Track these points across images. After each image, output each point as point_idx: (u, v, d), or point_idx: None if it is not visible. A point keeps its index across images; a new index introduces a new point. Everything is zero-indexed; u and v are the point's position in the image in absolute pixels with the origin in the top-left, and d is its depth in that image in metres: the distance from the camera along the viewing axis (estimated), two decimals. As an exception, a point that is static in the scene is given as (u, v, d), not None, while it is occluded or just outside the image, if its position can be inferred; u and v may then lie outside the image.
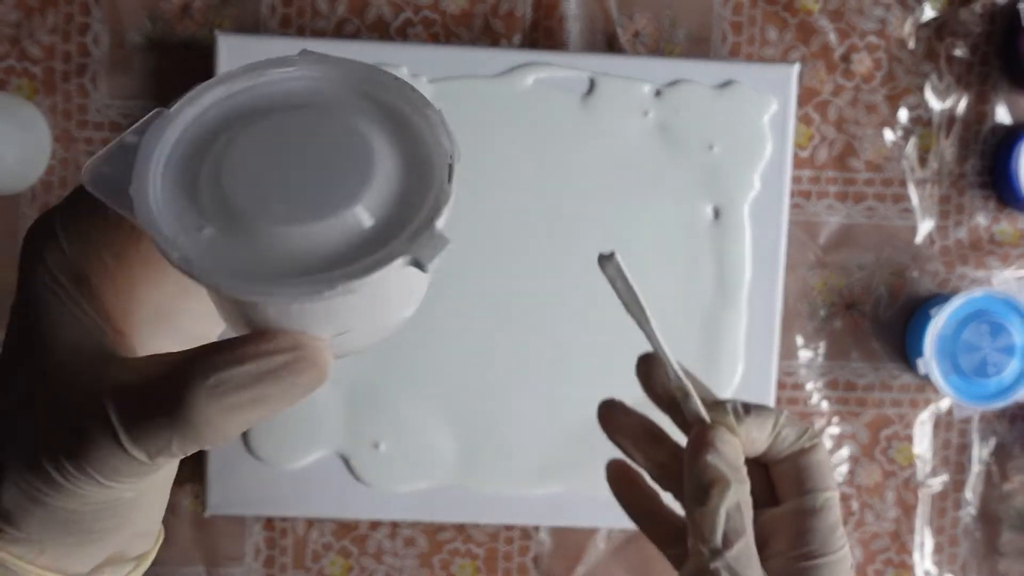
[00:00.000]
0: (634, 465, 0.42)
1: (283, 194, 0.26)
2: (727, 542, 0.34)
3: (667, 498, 0.43)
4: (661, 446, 0.40)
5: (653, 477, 0.41)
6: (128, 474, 0.26)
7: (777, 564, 0.35)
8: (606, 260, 0.38)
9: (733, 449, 0.36)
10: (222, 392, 0.24)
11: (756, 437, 0.36)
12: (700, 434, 0.36)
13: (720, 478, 0.35)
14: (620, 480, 0.43)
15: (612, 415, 0.41)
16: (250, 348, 0.25)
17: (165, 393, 0.25)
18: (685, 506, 0.36)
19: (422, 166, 0.29)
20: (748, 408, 0.37)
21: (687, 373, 0.39)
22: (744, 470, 0.36)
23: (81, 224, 0.27)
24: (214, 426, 0.25)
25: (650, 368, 0.40)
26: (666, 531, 0.42)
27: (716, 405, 0.37)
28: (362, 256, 0.25)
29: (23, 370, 0.27)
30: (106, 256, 0.27)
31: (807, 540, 0.35)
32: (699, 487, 0.35)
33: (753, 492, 0.36)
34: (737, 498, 0.35)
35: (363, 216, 0.26)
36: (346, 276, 0.25)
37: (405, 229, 0.26)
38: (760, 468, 0.38)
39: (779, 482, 0.37)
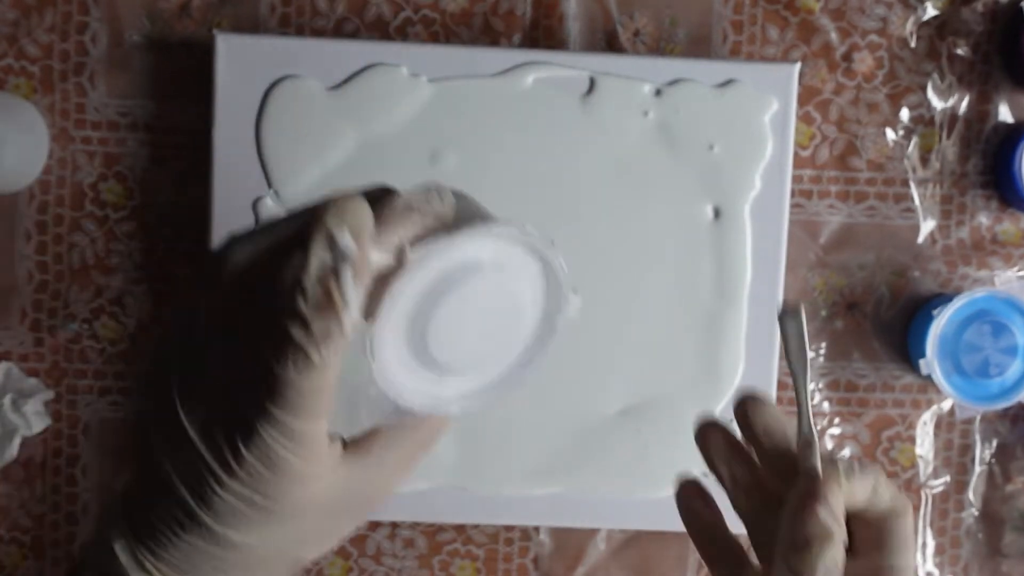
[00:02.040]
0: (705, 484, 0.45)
1: (470, 354, 0.36)
2: None
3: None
4: (748, 468, 0.43)
5: (730, 495, 0.43)
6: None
7: None
8: (789, 316, 0.43)
9: (839, 506, 0.38)
10: None
11: (859, 496, 0.39)
12: (814, 486, 0.38)
13: (826, 533, 0.37)
14: (691, 495, 0.45)
15: (710, 433, 0.44)
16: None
17: None
18: (779, 551, 0.38)
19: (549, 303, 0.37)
20: (854, 467, 0.39)
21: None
22: (845, 528, 0.38)
23: None
24: None
25: (753, 409, 0.43)
26: (723, 553, 0.44)
27: (830, 461, 0.40)
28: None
29: None
30: None
31: None
32: (805, 537, 0.37)
33: None
34: (835, 554, 0.37)
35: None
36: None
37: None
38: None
39: (861, 536, 0.39)
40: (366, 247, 0.32)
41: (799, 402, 0.43)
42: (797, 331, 0.43)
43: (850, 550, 0.39)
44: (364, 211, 0.33)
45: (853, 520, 0.40)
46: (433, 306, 0.34)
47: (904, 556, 0.38)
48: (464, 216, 0.35)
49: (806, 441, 0.41)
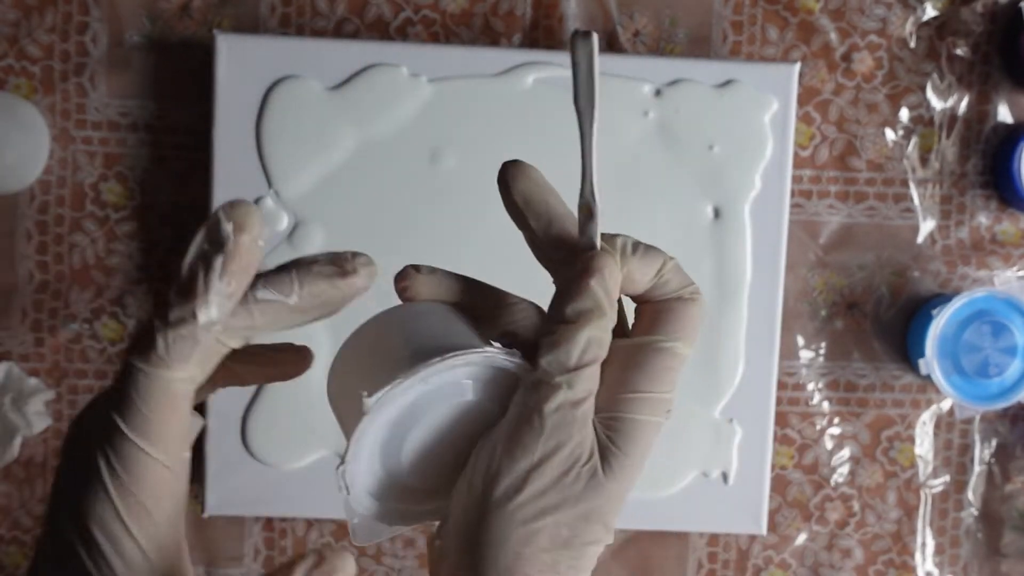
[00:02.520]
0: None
1: (448, 477, 0.36)
2: (579, 364, 0.34)
3: None
4: (482, 295, 0.39)
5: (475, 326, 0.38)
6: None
7: (602, 392, 0.35)
8: (581, 39, 0.35)
9: (615, 282, 0.35)
10: None
11: (638, 278, 0.36)
12: (591, 258, 0.36)
13: (596, 306, 0.34)
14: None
15: (415, 283, 0.38)
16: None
17: None
18: (547, 322, 0.35)
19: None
20: (637, 247, 0.37)
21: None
22: (616, 306, 0.36)
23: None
24: None
25: (513, 175, 0.38)
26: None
27: (609, 237, 0.37)
28: None
29: None
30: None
31: (635, 374, 0.35)
32: (574, 310, 0.34)
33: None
34: (601, 330, 0.35)
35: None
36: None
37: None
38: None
39: (639, 319, 0.37)
40: (246, 244, 0.34)
41: (583, 156, 0.37)
42: (587, 60, 0.35)
43: (627, 334, 0.37)
44: (254, 212, 0.35)
45: (640, 307, 0.37)
46: (402, 439, 0.35)
47: (675, 336, 0.35)
48: (430, 339, 0.35)
49: (586, 208, 0.37)
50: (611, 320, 0.35)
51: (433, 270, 0.38)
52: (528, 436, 0.34)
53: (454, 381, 0.35)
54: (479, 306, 0.38)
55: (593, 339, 0.34)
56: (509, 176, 0.38)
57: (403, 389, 0.34)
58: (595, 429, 0.35)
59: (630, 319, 0.38)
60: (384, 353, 0.35)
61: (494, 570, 0.34)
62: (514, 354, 0.35)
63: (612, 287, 0.35)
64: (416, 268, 0.38)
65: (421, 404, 0.35)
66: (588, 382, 0.34)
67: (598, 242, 0.37)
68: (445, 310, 0.37)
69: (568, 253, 0.37)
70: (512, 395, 0.35)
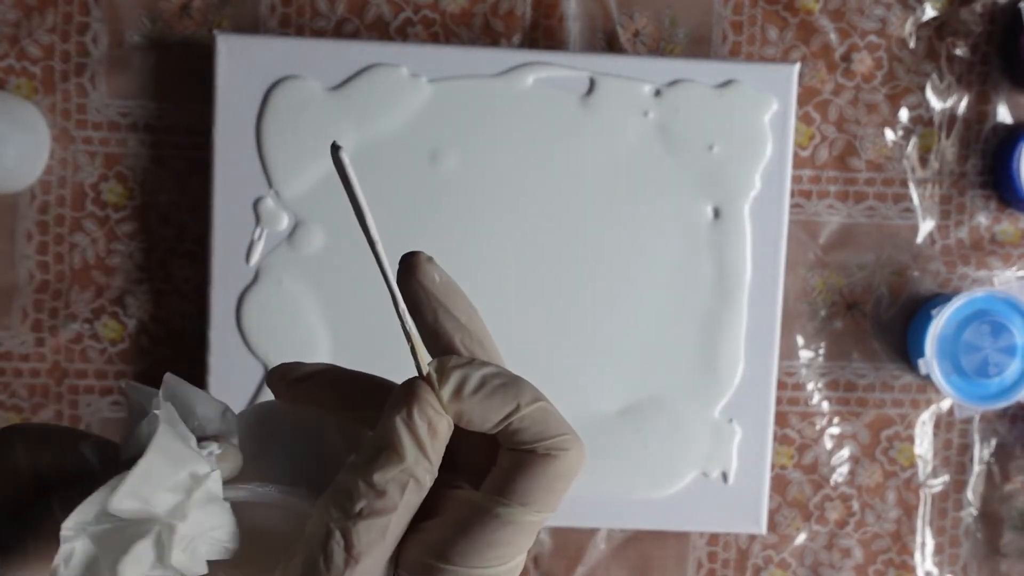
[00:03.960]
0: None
1: None
2: (360, 513, 0.28)
3: None
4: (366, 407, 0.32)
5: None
6: None
7: (415, 549, 0.30)
8: (333, 152, 0.29)
9: (429, 422, 0.29)
10: None
11: (476, 421, 0.29)
12: (404, 389, 0.29)
13: (390, 447, 0.29)
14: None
15: (284, 389, 0.32)
16: None
17: None
18: (355, 456, 0.30)
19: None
20: (484, 384, 0.30)
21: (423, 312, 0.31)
22: (434, 448, 0.29)
23: None
24: None
25: (418, 274, 0.31)
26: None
27: (443, 364, 0.30)
28: None
29: None
30: None
31: (460, 539, 0.29)
32: (374, 447, 0.29)
33: (468, 465, 0.31)
34: (404, 476, 0.28)
35: None
36: None
37: None
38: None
39: (497, 465, 0.30)
40: None
41: (384, 278, 0.31)
42: (343, 174, 0.29)
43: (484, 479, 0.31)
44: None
45: (501, 449, 0.30)
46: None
47: (522, 500, 0.29)
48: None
49: (405, 332, 0.31)
50: (419, 466, 0.29)
51: (305, 374, 0.32)
52: None
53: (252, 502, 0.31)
54: (350, 409, 0.32)
55: (385, 486, 0.28)
56: (403, 272, 0.32)
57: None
58: None
59: None
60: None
61: None
62: (292, 492, 0.31)
63: (422, 426, 0.29)
64: (284, 372, 0.32)
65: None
66: (372, 537, 0.28)
67: (424, 368, 0.30)
68: (288, 423, 0.33)
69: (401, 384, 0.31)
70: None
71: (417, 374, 0.30)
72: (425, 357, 0.31)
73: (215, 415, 0.32)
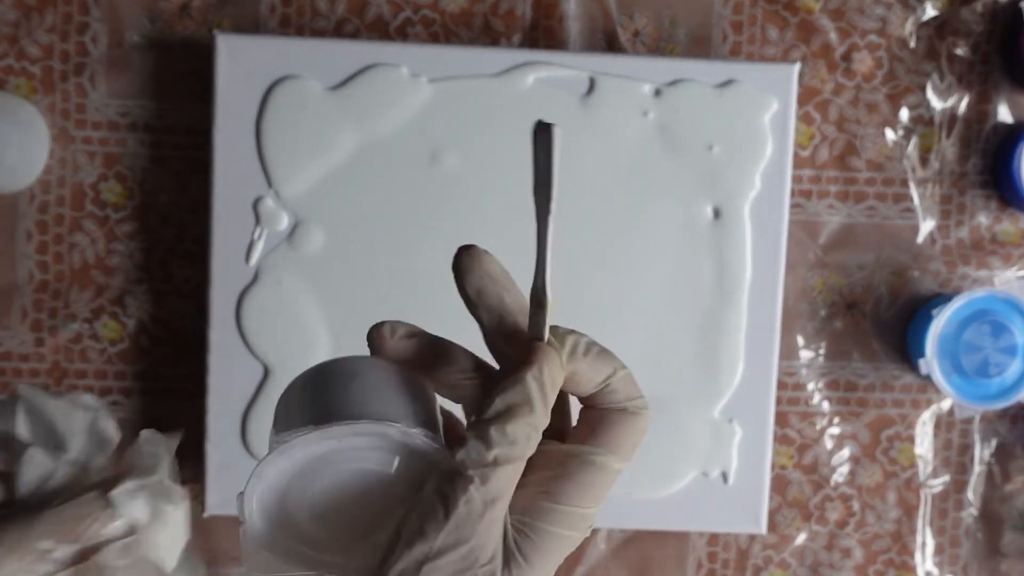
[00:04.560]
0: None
1: (329, 528, 0.35)
2: (498, 460, 0.32)
3: None
4: (454, 367, 0.36)
5: (443, 394, 0.37)
6: None
7: (522, 493, 0.33)
8: (543, 130, 0.33)
9: (553, 379, 0.33)
10: None
11: (584, 381, 0.34)
12: (534, 350, 0.34)
13: (525, 401, 0.33)
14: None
15: (385, 344, 0.36)
16: None
17: None
18: (481, 408, 0.33)
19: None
20: (590, 349, 0.35)
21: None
22: (551, 404, 0.34)
23: None
24: None
25: (476, 263, 0.36)
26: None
27: (563, 334, 0.35)
28: None
29: None
30: None
31: (560, 483, 0.34)
32: (503, 401, 0.33)
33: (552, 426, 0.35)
34: (527, 427, 0.32)
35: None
36: None
37: None
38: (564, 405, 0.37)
39: (579, 424, 0.35)
40: None
41: (538, 247, 0.36)
42: (547, 152, 0.33)
43: (566, 436, 0.36)
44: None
45: (583, 411, 0.36)
46: (308, 487, 0.34)
47: (610, 449, 0.34)
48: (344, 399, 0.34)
49: (537, 299, 0.35)
50: (542, 419, 0.33)
51: (409, 333, 0.36)
52: (430, 525, 0.32)
53: (367, 447, 0.34)
54: (437, 367, 0.36)
55: (517, 436, 0.32)
56: (463, 266, 0.36)
57: (310, 440, 0.33)
58: (505, 531, 0.33)
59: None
60: (319, 402, 0.35)
61: None
62: (434, 438, 0.34)
63: (549, 384, 0.33)
64: (392, 330, 0.36)
65: (331, 460, 0.34)
66: (504, 481, 0.32)
67: (545, 334, 0.35)
68: (399, 374, 0.36)
69: (516, 346, 0.35)
70: (427, 477, 0.33)
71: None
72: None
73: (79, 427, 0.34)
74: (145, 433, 0.32)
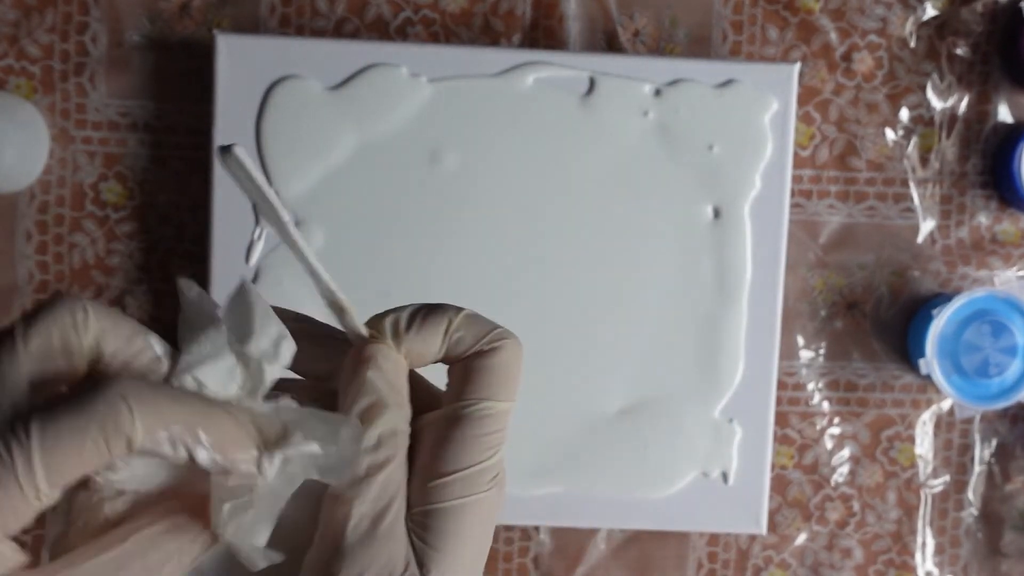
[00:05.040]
0: None
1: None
2: (370, 471, 0.30)
3: None
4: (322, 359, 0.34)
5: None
6: None
7: (414, 485, 0.31)
8: (223, 154, 0.30)
9: (394, 366, 0.32)
10: None
11: (424, 351, 0.32)
12: (359, 350, 0.32)
13: (378, 399, 0.31)
14: None
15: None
16: None
17: None
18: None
19: None
20: (413, 320, 0.32)
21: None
22: (406, 392, 0.32)
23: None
24: None
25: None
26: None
27: (375, 320, 0.33)
28: None
29: None
30: None
31: (444, 452, 0.31)
32: (358, 410, 0.30)
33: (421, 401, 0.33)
34: (393, 424, 0.30)
35: None
36: None
37: None
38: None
39: (449, 382, 0.33)
40: None
41: (303, 261, 0.33)
42: (242, 170, 0.30)
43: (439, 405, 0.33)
44: None
45: (448, 371, 0.33)
46: None
47: (485, 394, 0.31)
48: None
49: (336, 307, 0.33)
50: (402, 411, 0.31)
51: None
52: (334, 563, 0.29)
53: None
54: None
55: (380, 439, 0.30)
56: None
57: None
58: (409, 534, 0.31)
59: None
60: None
61: None
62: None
63: (392, 374, 0.31)
64: None
65: None
66: (383, 488, 0.30)
67: (363, 331, 0.33)
68: None
69: (346, 357, 0.33)
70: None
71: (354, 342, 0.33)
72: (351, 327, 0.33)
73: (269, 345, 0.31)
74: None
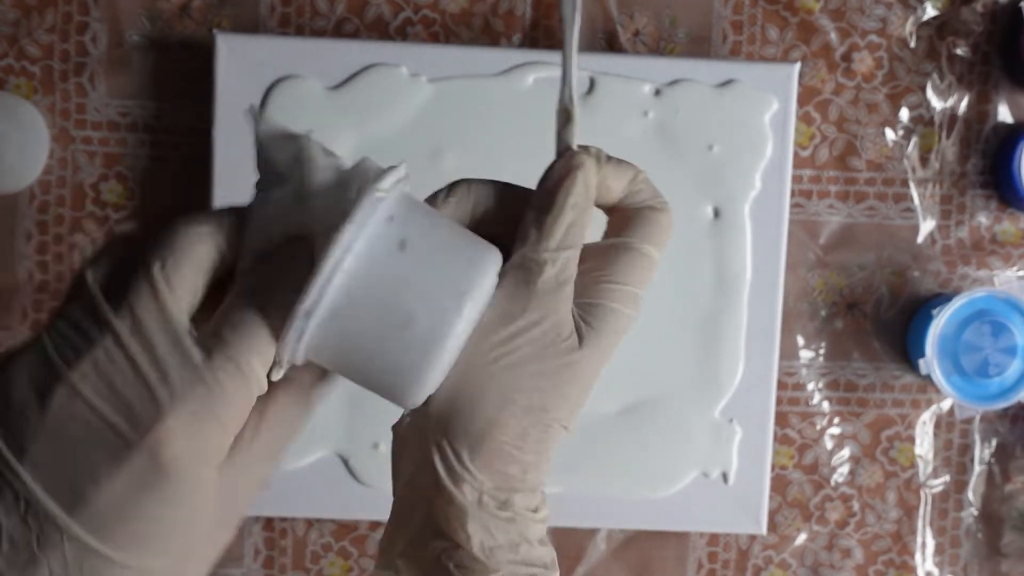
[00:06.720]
0: None
1: None
2: (562, 246, 0.35)
3: None
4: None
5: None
6: None
7: (579, 280, 0.36)
8: None
9: (594, 180, 0.37)
10: None
11: (612, 185, 0.37)
12: (574, 155, 0.37)
13: (580, 196, 0.36)
14: None
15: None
16: None
17: None
18: (533, 208, 0.37)
19: None
20: (611, 157, 0.38)
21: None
22: (593, 198, 0.37)
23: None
24: None
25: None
26: None
27: (583, 147, 0.38)
28: None
29: None
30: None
31: (609, 267, 0.36)
32: (562, 197, 0.36)
33: None
34: (581, 217, 0.36)
35: None
36: None
37: None
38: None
39: (611, 226, 0.38)
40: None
41: (564, 60, 0.38)
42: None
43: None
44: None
45: (611, 215, 0.39)
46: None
47: (647, 240, 0.37)
48: None
49: (565, 112, 0.38)
50: (590, 213, 0.36)
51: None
52: (515, 306, 0.35)
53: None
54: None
55: (575, 224, 0.36)
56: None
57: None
58: (573, 313, 0.36)
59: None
60: None
61: (465, 436, 0.35)
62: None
63: (591, 183, 0.36)
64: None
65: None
66: (570, 263, 0.36)
67: (575, 144, 0.37)
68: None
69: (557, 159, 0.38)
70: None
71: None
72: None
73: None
74: None
